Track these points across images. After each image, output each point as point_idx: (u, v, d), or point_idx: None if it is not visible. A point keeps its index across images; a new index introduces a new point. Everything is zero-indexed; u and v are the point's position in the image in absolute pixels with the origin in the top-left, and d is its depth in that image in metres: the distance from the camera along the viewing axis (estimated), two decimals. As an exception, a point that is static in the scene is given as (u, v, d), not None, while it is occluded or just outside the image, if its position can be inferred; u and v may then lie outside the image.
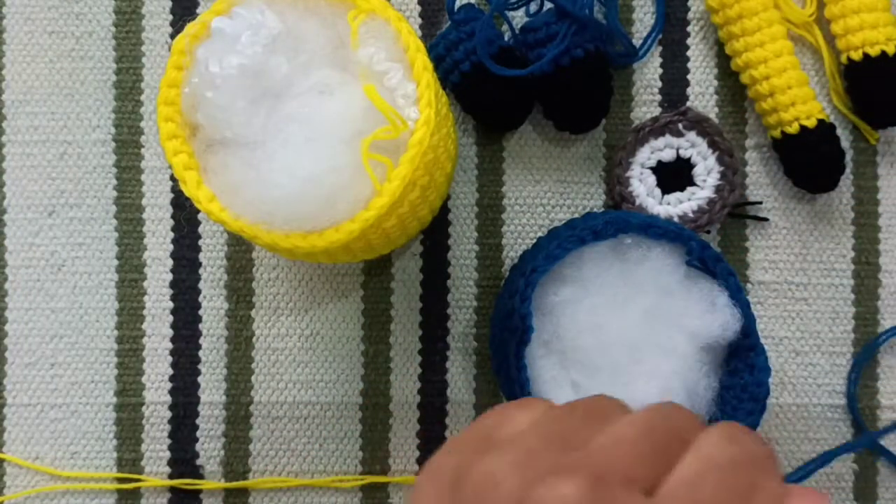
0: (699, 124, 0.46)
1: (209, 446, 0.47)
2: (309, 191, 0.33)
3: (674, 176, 0.46)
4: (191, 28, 0.35)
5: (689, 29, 0.48)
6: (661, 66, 0.47)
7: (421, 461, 0.47)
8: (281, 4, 0.35)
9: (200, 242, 0.47)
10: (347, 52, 0.35)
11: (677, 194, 0.46)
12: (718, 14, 0.45)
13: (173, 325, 0.47)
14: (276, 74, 0.34)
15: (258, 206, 0.34)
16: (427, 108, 0.34)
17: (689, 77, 0.47)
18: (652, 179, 0.46)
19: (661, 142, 0.46)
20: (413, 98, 0.34)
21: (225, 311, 0.47)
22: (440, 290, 0.47)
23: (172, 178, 0.47)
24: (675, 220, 0.45)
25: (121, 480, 0.47)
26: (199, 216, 0.47)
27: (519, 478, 0.23)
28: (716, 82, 0.47)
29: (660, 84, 0.47)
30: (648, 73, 0.47)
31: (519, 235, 0.47)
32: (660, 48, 0.48)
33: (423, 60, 0.34)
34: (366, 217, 0.34)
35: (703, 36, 0.47)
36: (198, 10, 0.48)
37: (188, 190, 0.35)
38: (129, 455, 0.47)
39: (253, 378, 0.47)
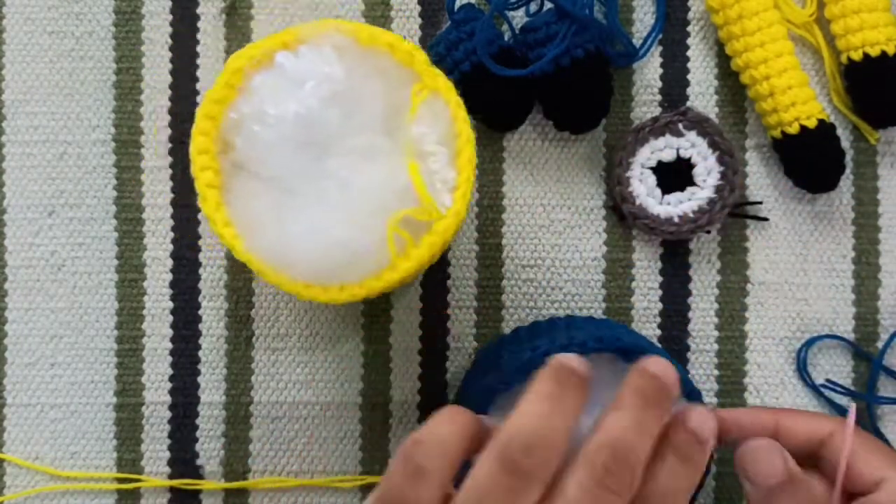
0: (699, 124, 0.46)
1: (209, 446, 0.47)
2: (328, 255, 0.33)
3: (674, 176, 0.46)
4: (252, 50, 0.34)
5: (689, 29, 0.48)
6: (661, 66, 0.47)
7: (421, 461, 0.47)
8: (350, 56, 0.34)
9: (200, 242, 0.47)
10: (401, 120, 0.34)
11: (677, 194, 0.46)
12: (718, 14, 0.45)
13: (173, 325, 0.47)
14: (327, 127, 0.34)
15: (275, 252, 0.34)
16: (461, 199, 0.34)
17: (689, 77, 0.47)
18: (652, 179, 0.46)
19: (661, 142, 0.46)
20: (451, 185, 0.34)
21: (225, 311, 0.47)
22: (440, 291, 0.47)
23: (172, 178, 0.47)
24: (676, 220, 0.45)
25: (121, 480, 0.47)
26: (199, 216, 0.47)
27: None
28: (716, 82, 0.47)
29: (660, 84, 0.47)
30: (648, 73, 0.47)
31: (519, 235, 0.47)
32: (660, 48, 0.48)
33: (469, 153, 0.34)
34: (373, 286, 0.34)
35: (703, 36, 0.47)
36: (198, 10, 0.48)
37: (206, 209, 0.34)
38: (129, 455, 0.47)
39: (253, 378, 0.47)
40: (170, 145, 0.47)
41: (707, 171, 0.46)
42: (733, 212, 0.46)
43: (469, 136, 0.34)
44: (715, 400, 0.47)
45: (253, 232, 0.34)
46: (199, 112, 0.34)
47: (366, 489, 0.47)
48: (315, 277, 0.34)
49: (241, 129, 0.34)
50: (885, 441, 0.46)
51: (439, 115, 0.35)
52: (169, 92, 0.47)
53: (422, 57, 0.35)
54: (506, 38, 0.46)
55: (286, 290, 0.34)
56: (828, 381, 0.46)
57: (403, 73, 0.35)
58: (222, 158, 0.35)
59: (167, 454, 0.47)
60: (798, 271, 0.47)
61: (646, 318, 0.47)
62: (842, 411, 0.46)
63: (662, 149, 0.46)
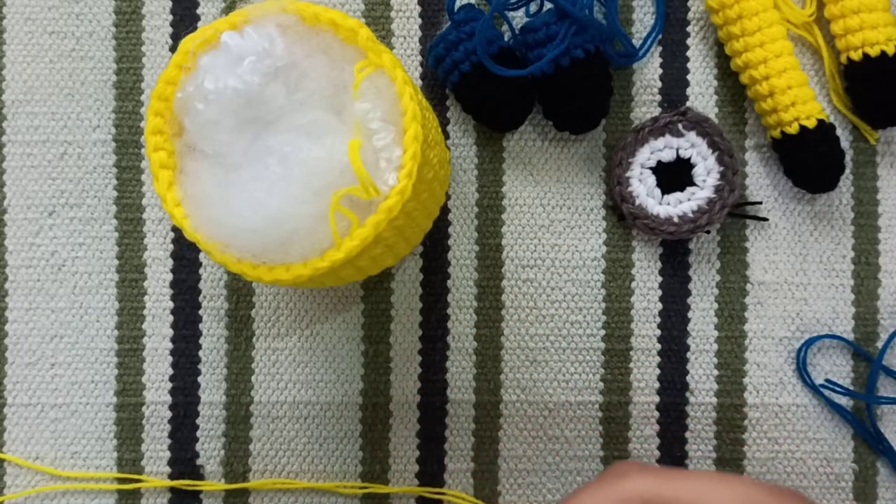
0: (699, 124, 0.46)
1: (209, 446, 0.47)
2: (268, 229, 0.33)
3: (674, 176, 0.46)
4: (202, 32, 0.34)
5: (689, 29, 0.48)
6: (661, 66, 0.48)
7: (421, 461, 0.47)
8: (294, 35, 0.34)
9: (200, 242, 0.47)
10: (347, 98, 0.34)
11: (677, 194, 0.46)
12: (718, 14, 0.45)
13: (173, 325, 0.47)
14: (271, 104, 0.34)
15: (218, 228, 0.34)
16: (406, 178, 0.33)
17: (689, 77, 0.48)
18: (652, 179, 0.46)
19: (660, 142, 0.46)
20: (396, 164, 0.34)
21: (225, 311, 0.47)
22: (440, 290, 0.47)
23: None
24: (675, 220, 0.45)
25: (121, 480, 0.47)
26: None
27: None
28: (716, 82, 0.47)
29: (660, 84, 0.47)
30: (648, 73, 0.47)
31: (519, 235, 0.47)
32: (660, 48, 0.48)
33: (415, 130, 0.33)
34: (317, 266, 0.33)
35: (703, 36, 0.48)
36: (198, 11, 0.48)
37: (158, 188, 0.34)
38: (129, 455, 0.47)
39: (253, 378, 0.47)
40: (170, 145, 0.47)
41: (707, 171, 0.46)
42: (733, 212, 0.46)
43: (415, 113, 0.34)
44: (714, 400, 0.47)
45: (200, 210, 0.34)
46: (152, 94, 0.34)
47: (367, 498, 0.47)
48: (259, 255, 0.34)
49: (189, 108, 0.34)
50: (884, 440, 0.46)
51: (384, 92, 0.34)
52: (169, 92, 0.48)
53: (365, 33, 0.34)
54: (506, 38, 0.46)
55: (232, 270, 0.34)
56: (827, 380, 0.46)
57: (348, 51, 0.35)
58: (177, 140, 0.35)
59: (167, 454, 0.47)
60: (797, 271, 0.47)
61: (646, 318, 0.47)
62: (842, 411, 0.46)
63: (662, 149, 0.46)
